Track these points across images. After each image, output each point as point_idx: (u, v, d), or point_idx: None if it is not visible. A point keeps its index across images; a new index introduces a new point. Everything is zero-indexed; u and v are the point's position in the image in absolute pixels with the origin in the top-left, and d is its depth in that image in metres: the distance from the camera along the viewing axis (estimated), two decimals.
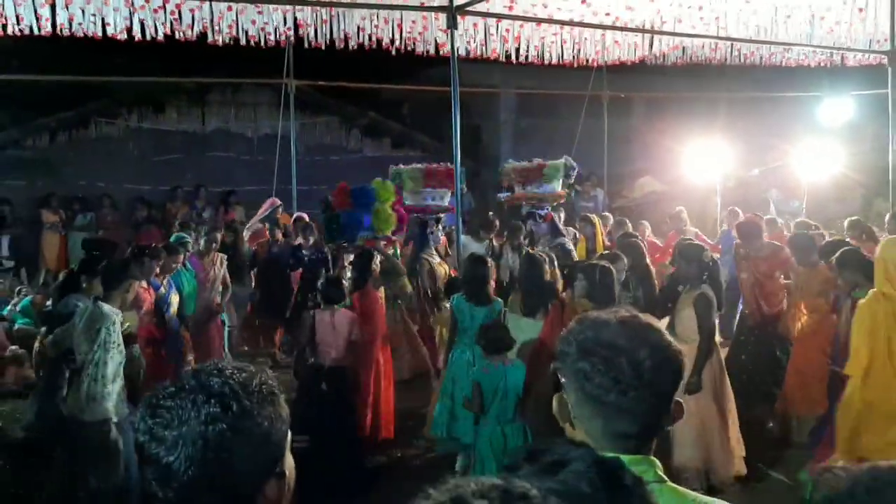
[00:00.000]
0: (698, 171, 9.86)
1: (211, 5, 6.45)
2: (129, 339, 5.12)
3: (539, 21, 7.54)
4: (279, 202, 8.77)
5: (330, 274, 5.80)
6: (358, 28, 7.25)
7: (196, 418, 1.19)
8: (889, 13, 7.36)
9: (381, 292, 6.36)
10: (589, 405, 1.43)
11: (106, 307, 4.48)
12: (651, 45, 8.67)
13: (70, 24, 6.07)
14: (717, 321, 5.13)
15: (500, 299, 5.46)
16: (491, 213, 9.30)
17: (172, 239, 7.04)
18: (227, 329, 7.50)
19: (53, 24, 6.04)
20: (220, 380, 1.23)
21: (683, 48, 8.80)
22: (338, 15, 7.05)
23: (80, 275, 4.77)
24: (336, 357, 5.31)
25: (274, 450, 1.26)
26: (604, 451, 1.41)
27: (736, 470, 4.90)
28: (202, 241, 7.34)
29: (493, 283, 5.61)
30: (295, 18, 6.97)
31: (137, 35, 6.24)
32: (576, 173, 8.27)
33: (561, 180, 7.91)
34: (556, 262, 6.14)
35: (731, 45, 8.81)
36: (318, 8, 6.96)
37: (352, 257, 6.71)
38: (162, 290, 6.01)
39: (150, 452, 1.20)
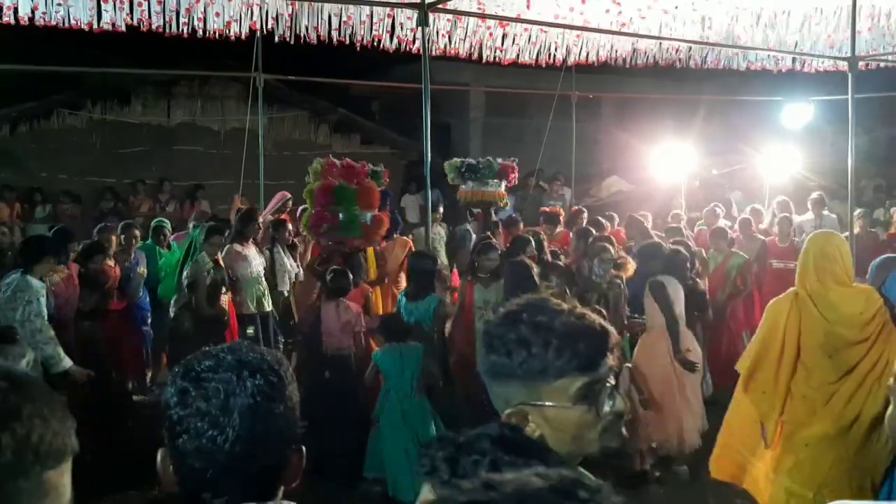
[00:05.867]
0: (664, 171, 10.02)
1: None
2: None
3: (510, 20, 7.60)
4: (289, 195, 8.57)
5: (337, 267, 5.91)
6: (328, 22, 7.22)
7: (243, 392, 1.23)
8: (849, 20, 7.56)
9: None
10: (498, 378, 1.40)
11: (34, 280, 4.91)
12: (617, 47, 8.77)
13: (33, 14, 5.93)
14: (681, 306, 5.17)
15: (435, 295, 5.51)
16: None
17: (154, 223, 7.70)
18: None
19: (16, 13, 5.90)
20: (257, 356, 1.29)
21: (650, 50, 8.92)
22: (307, 8, 7.02)
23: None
24: (339, 346, 5.46)
25: (297, 424, 1.32)
26: None
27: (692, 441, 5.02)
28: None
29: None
30: (266, 11, 6.92)
31: (98, 23, 6.13)
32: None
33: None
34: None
35: (691, 47, 8.95)
36: (288, 0, 6.92)
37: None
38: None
39: (191, 426, 1.22)
